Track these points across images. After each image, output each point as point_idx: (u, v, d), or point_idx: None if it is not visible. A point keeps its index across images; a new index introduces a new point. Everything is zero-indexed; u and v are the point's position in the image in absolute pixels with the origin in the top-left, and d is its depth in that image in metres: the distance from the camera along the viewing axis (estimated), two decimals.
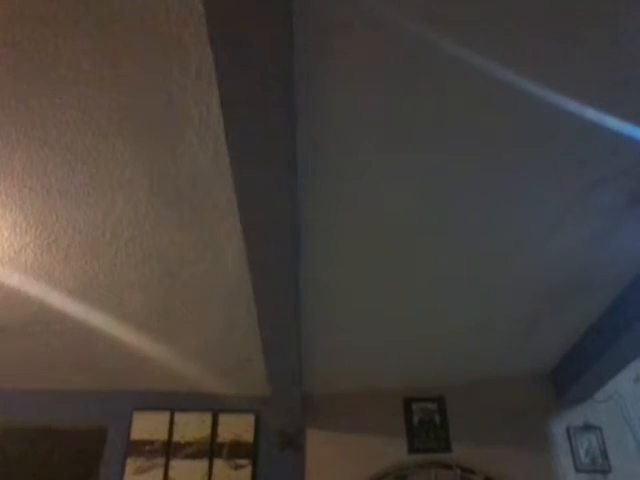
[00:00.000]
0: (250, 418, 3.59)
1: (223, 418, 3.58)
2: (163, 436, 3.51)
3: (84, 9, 1.45)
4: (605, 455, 3.40)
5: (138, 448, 3.47)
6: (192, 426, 3.54)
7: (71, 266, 2.42)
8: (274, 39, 1.24)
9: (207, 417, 3.58)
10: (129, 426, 3.53)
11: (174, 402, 3.60)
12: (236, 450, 3.50)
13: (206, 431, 3.54)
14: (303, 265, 2.23)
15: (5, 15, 1.47)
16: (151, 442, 3.49)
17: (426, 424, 3.57)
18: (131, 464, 3.43)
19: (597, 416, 3.51)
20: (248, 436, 3.54)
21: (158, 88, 1.64)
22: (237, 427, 3.56)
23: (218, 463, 3.46)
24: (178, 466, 3.44)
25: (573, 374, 3.36)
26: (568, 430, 3.48)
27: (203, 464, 3.45)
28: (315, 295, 2.55)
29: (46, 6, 1.45)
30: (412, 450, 3.48)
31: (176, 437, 3.51)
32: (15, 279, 2.49)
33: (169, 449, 3.48)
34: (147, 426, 3.54)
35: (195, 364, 3.26)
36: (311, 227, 2.09)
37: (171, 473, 3.42)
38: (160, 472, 3.42)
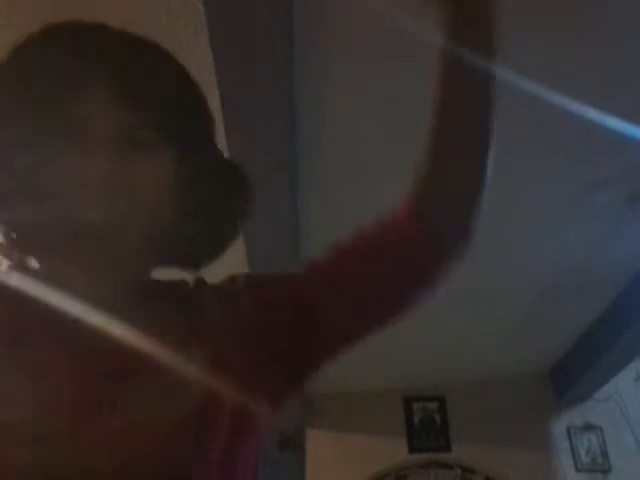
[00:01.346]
0: None
1: None
2: None
3: (84, 10, 1.45)
4: (605, 455, 3.40)
5: None
6: None
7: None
8: (274, 39, 1.25)
9: None
10: None
11: None
12: None
13: None
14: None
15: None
16: None
17: (426, 424, 3.56)
18: None
19: (597, 416, 3.50)
20: None
21: None
22: None
23: None
24: None
25: (573, 374, 3.36)
26: (568, 430, 3.48)
27: None
28: None
29: (46, 7, 1.45)
30: (412, 450, 3.48)
31: None
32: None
33: None
34: None
35: None
36: (311, 227, 2.09)
37: None
38: None
